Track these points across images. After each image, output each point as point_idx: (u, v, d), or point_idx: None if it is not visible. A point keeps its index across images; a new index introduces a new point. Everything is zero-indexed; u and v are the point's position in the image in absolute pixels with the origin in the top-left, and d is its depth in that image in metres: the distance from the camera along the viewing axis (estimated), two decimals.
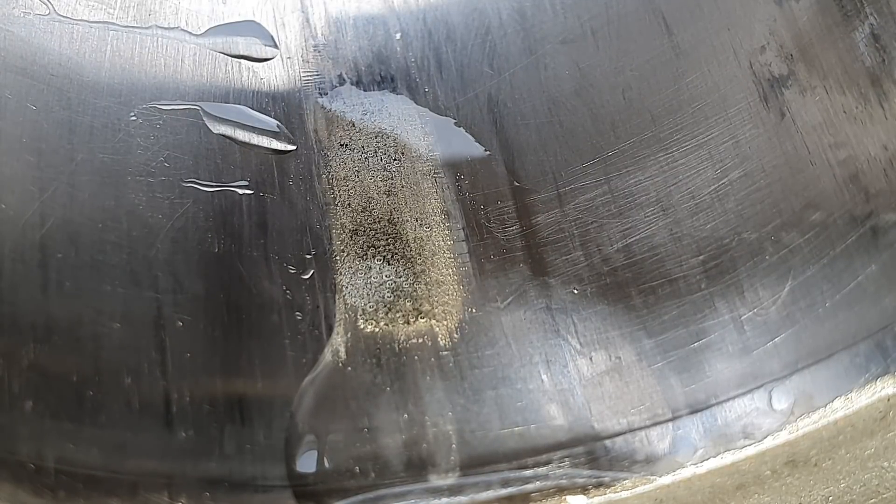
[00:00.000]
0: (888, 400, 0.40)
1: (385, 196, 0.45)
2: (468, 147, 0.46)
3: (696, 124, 0.45)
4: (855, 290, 0.42)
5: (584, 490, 0.41)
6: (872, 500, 0.38)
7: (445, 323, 0.43)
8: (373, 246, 0.44)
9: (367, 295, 0.43)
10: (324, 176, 0.45)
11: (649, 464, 0.42)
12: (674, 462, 0.42)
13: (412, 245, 0.44)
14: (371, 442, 0.41)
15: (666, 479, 0.42)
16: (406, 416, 0.41)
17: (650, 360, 0.43)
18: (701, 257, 0.44)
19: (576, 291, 0.44)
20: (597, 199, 0.45)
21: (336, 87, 0.47)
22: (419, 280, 0.44)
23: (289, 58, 0.46)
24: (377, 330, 0.43)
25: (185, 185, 0.43)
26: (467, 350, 0.43)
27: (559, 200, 0.45)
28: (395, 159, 0.46)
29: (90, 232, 0.40)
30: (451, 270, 0.44)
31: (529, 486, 0.41)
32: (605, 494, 0.41)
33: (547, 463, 0.42)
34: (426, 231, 0.45)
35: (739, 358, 0.42)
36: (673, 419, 0.42)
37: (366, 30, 0.48)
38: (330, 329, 0.42)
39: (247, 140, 0.44)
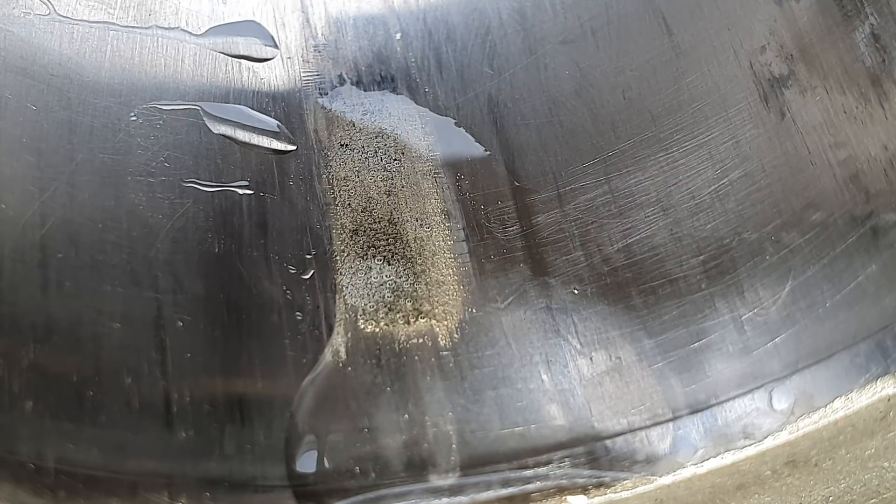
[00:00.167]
0: (888, 400, 0.40)
1: (385, 196, 0.45)
2: (468, 147, 0.46)
3: (696, 124, 0.45)
4: (855, 290, 0.42)
5: (584, 490, 0.41)
6: (873, 501, 0.38)
7: (446, 323, 0.43)
8: (373, 246, 0.44)
9: (368, 295, 0.43)
10: (324, 176, 0.45)
11: (650, 464, 0.42)
12: (674, 462, 0.42)
13: (412, 245, 0.44)
14: (371, 442, 0.41)
15: (666, 480, 0.41)
16: (406, 416, 0.41)
17: (650, 360, 0.43)
18: (701, 257, 0.44)
19: (576, 291, 0.44)
20: (597, 199, 0.45)
21: (336, 87, 0.47)
22: (419, 280, 0.44)
23: (289, 58, 0.46)
24: (377, 330, 0.43)
25: (185, 185, 0.43)
26: (467, 350, 0.43)
27: (559, 200, 0.45)
28: (395, 159, 0.46)
29: (90, 232, 0.40)
30: (451, 270, 0.44)
31: (530, 487, 0.41)
32: (605, 494, 0.41)
33: (547, 463, 0.42)
34: (426, 231, 0.45)
35: (740, 358, 0.42)
36: (673, 419, 0.42)
37: (366, 30, 0.48)
38: (330, 329, 0.42)
39: (247, 140, 0.44)
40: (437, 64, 0.47)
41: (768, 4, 0.45)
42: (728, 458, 0.42)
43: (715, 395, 0.42)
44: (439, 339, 0.43)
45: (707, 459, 0.42)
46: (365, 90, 0.47)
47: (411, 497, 0.41)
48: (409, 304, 0.43)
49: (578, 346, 0.43)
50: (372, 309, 0.43)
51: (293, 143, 0.45)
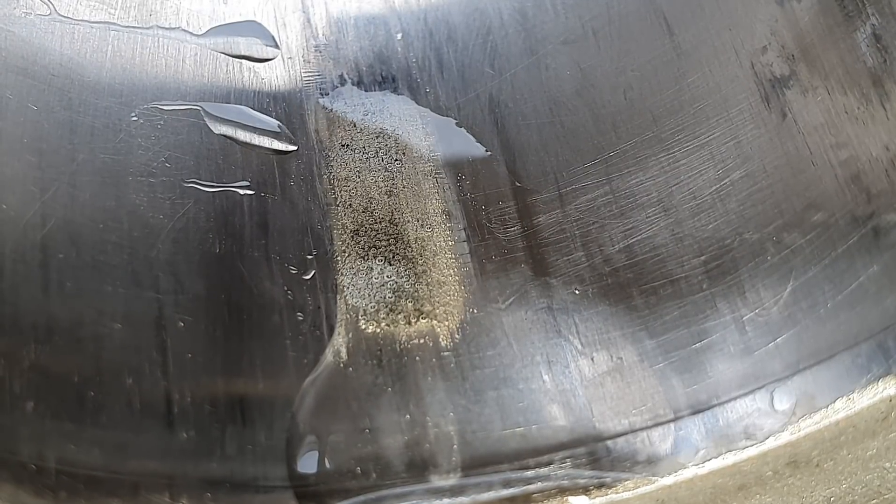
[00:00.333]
0: (890, 401, 0.40)
1: (386, 196, 0.45)
2: (469, 147, 0.46)
3: (697, 124, 0.45)
4: (857, 290, 0.42)
5: (585, 491, 0.41)
6: (874, 501, 0.38)
7: (447, 323, 0.43)
8: (374, 246, 0.44)
9: (369, 295, 0.43)
10: (325, 176, 0.45)
11: (651, 464, 0.42)
12: (675, 463, 0.42)
13: (413, 245, 0.44)
14: (372, 443, 0.41)
15: (668, 480, 0.41)
16: (407, 416, 0.41)
17: (652, 360, 0.43)
18: (702, 258, 0.44)
19: (577, 292, 0.44)
20: (598, 200, 0.45)
21: (337, 87, 0.47)
22: (420, 280, 0.44)
23: (290, 58, 0.46)
24: (378, 330, 0.43)
25: (186, 185, 0.43)
26: (469, 351, 0.43)
27: (560, 201, 0.45)
28: (396, 160, 0.46)
29: (91, 232, 0.40)
30: (452, 271, 0.44)
31: (531, 487, 0.41)
32: (606, 495, 0.41)
33: (549, 463, 0.42)
34: (427, 231, 0.45)
35: (741, 358, 0.42)
36: (675, 420, 0.42)
37: (367, 30, 0.48)
38: (331, 329, 0.42)
39: (248, 140, 0.44)
40: (439, 64, 0.47)
41: (769, 5, 0.45)
42: (729, 459, 0.42)
43: (716, 395, 0.42)
44: (440, 340, 0.43)
45: (708, 460, 0.42)
46: (366, 90, 0.47)
47: (413, 497, 0.41)
48: (410, 304, 0.43)
49: (580, 347, 0.43)
50: (373, 309, 0.43)
51: (294, 144, 0.45)
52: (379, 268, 0.44)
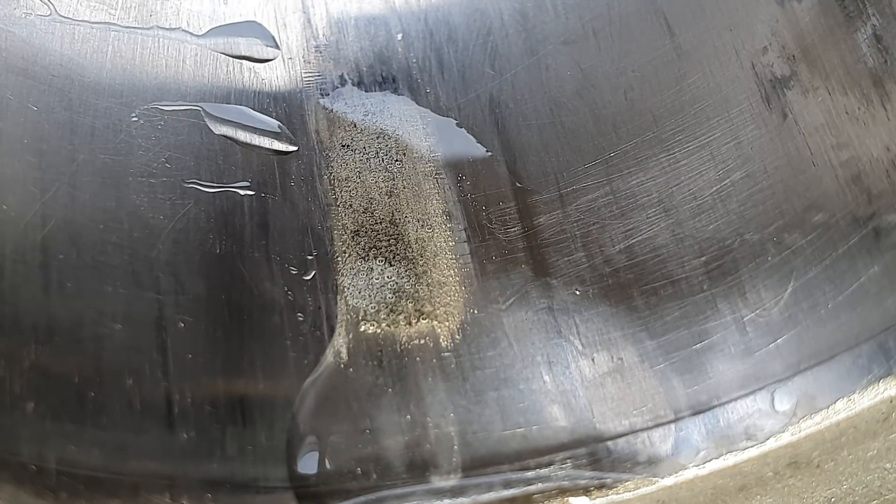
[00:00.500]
0: (891, 401, 0.40)
1: (387, 197, 0.45)
2: (470, 148, 0.46)
3: (698, 125, 0.45)
4: (857, 291, 0.42)
5: (586, 491, 0.41)
6: (875, 502, 0.38)
7: (447, 324, 0.43)
8: (374, 247, 0.44)
9: (369, 296, 0.43)
10: (325, 177, 0.45)
11: (651, 465, 0.42)
12: (676, 463, 0.42)
13: (414, 246, 0.44)
14: (373, 443, 0.41)
15: (668, 481, 0.41)
16: (408, 417, 0.41)
17: (652, 361, 0.43)
18: (703, 258, 0.44)
19: (578, 292, 0.44)
20: (599, 200, 0.45)
21: (337, 87, 0.47)
22: (421, 281, 0.44)
23: (290, 58, 0.46)
24: (379, 331, 0.43)
25: (186, 185, 0.43)
26: (469, 351, 0.43)
27: (561, 201, 0.45)
28: (396, 160, 0.46)
29: (91, 233, 0.40)
30: (452, 271, 0.44)
31: (532, 488, 0.41)
32: (607, 496, 0.41)
33: (549, 464, 0.41)
34: (428, 232, 0.45)
35: (742, 359, 0.42)
36: (675, 420, 0.42)
37: (367, 30, 0.48)
38: (331, 330, 0.42)
39: (248, 141, 0.44)
40: (439, 64, 0.47)
41: (770, 5, 0.45)
42: (730, 460, 0.42)
43: (717, 396, 0.42)
44: (441, 340, 0.43)
45: (709, 461, 0.42)
46: (366, 91, 0.47)
47: (413, 498, 0.41)
48: (410, 305, 0.43)
49: (580, 347, 0.43)
50: (373, 310, 0.43)
51: (294, 144, 0.45)
52: (379, 268, 0.44)
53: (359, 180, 0.45)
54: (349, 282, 0.43)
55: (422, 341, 0.43)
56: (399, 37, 0.47)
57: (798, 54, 0.44)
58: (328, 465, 0.40)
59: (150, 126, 0.43)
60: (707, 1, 0.46)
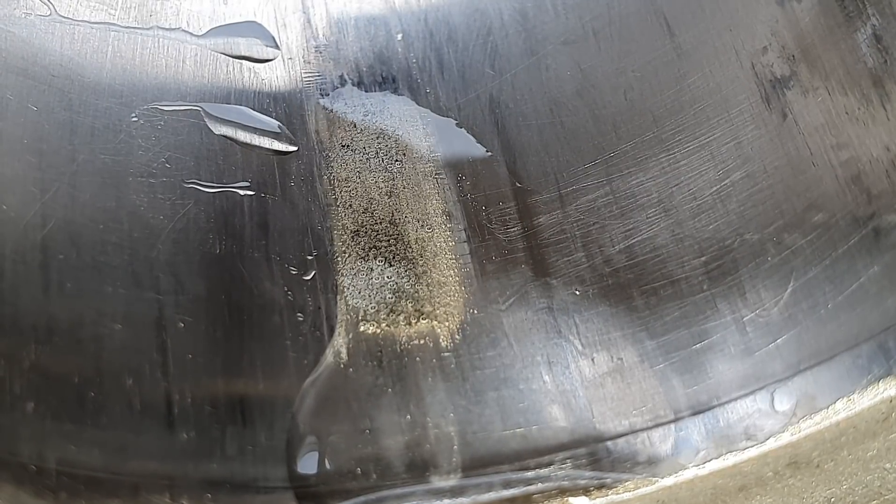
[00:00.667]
0: (891, 401, 0.40)
1: (386, 197, 0.45)
2: (470, 148, 0.46)
3: (697, 125, 0.45)
4: (857, 291, 0.42)
5: (586, 491, 0.41)
6: (875, 502, 0.38)
7: (447, 324, 0.43)
8: (374, 247, 0.44)
9: (369, 296, 0.43)
10: (325, 177, 0.45)
11: (651, 465, 0.42)
12: (676, 463, 0.42)
13: (414, 246, 0.44)
14: (373, 443, 0.41)
15: (668, 481, 0.41)
16: (408, 417, 0.41)
17: (652, 361, 0.43)
18: (703, 258, 0.44)
19: (578, 292, 0.44)
20: (598, 200, 0.45)
21: (337, 87, 0.47)
22: (421, 281, 0.44)
23: (290, 58, 0.46)
24: (379, 331, 0.43)
25: (186, 185, 0.43)
26: (469, 351, 0.43)
27: (561, 201, 0.45)
28: (396, 160, 0.46)
29: (91, 233, 0.40)
30: (452, 271, 0.44)
31: (531, 488, 0.41)
32: (607, 496, 0.41)
33: (549, 464, 0.42)
34: (428, 232, 0.45)
35: (741, 359, 0.42)
36: (675, 420, 0.42)
37: (367, 30, 0.48)
38: (331, 330, 0.42)
39: (248, 141, 0.44)
40: (439, 65, 0.47)
41: (770, 5, 0.45)
42: (730, 460, 0.42)
43: (717, 396, 0.42)
44: (441, 341, 0.43)
45: (709, 461, 0.42)
46: (366, 91, 0.47)
47: (413, 498, 0.41)
48: (410, 305, 0.43)
49: (580, 347, 0.43)
50: (373, 310, 0.43)
51: (294, 144, 0.45)
52: (379, 268, 0.44)
53: (359, 180, 0.45)
54: (349, 282, 0.43)
55: (422, 341, 0.43)
56: (399, 37, 0.47)
57: (798, 54, 0.44)
58: (328, 465, 0.40)
59: (150, 126, 0.43)
60: (707, 1, 0.46)
